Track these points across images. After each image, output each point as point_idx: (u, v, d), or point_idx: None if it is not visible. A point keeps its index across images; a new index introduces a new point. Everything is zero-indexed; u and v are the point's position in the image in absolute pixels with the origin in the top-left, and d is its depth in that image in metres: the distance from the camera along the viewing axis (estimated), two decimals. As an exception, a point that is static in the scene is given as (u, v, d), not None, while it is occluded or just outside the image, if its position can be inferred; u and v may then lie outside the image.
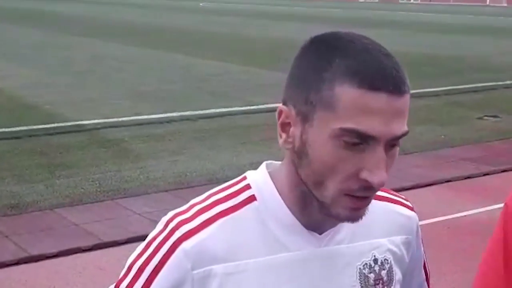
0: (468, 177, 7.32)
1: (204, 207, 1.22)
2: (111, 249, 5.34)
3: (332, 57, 1.10)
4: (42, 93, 11.88)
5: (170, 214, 1.24)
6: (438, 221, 6.02)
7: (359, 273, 1.26)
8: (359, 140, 1.09)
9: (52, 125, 9.30)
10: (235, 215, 1.21)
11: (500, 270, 1.53)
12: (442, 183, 7.13)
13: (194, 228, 1.19)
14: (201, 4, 49.10)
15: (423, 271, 1.44)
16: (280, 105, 1.17)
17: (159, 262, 1.19)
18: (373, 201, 1.29)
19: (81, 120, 9.61)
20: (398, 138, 1.11)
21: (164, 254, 1.19)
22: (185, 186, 6.75)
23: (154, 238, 1.22)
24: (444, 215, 6.15)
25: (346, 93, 1.08)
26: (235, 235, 1.20)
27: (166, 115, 10.12)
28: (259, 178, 1.25)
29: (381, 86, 1.07)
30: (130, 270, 1.22)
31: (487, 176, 7.40)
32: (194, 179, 7.00)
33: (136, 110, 10.40)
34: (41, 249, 5.29)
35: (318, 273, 1.22)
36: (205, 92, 12.28)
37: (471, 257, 5.22)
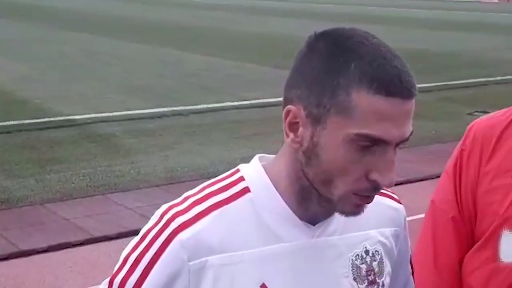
0: (459, 173, 7.32)
1: (199, 199, 1.23)
2: (102, 244, 5.32)
3: (346, 61, 1.11)
4: (32, 87, 11.83)
5: (165, 206, 1.24)
6: (429, 216, 6.03)
7: (351, 263, 1.27)
8: (371, 144, 1.11)
9: (43, 119, 9.26)
10: (229, 207, 1.22)
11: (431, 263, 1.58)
12: (433, 178, 7.12)
13: (190, 219, 1.20)
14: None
15: (409, 265, 1.46)
16: (289, 106, 1.17)
17: (155, 254, 1.19)
18: None
19: (72, 115, 9.58)
20: (407, 139, 1.15)
21: (160, 246, 1.19)
22: (177, 181, 6.74)
23: (149, 230, 1.22)
24: (435, 211, 6.16)
25: (363, 99, 1.10)
26: (230, 226, 1.21)
27: (157, 110, 10.10)
28: (253, 171, 1.26)
29: (397, 92, 1.10)
30: (126, 262, 1.22)
31: (477, 172, 7.40)
32: (186, 174, 6.99)
33: (127, 105, 10.38)
34: (31, 244, 5.27)
35: (311, 263, 1.23)
36: (196, 87, 12.26)
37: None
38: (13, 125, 8.93)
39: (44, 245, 5.26)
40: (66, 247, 5.28)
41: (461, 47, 19.20)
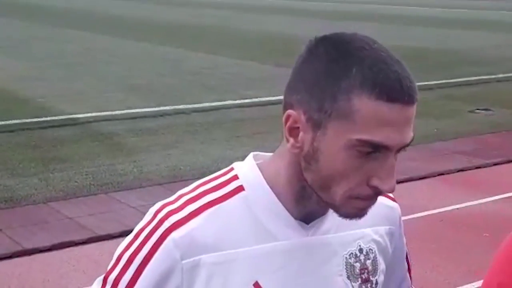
0: (461, 170, 7.34)
1: (192, 197, 1.23)
2: (105, 243, 5.33)
3: (348, 66, 1.11)
4: (34, 86, 11.84)
5: (158, 204, 1.24)
6: (431, 213, 6.04)
7: (345, 262, 1.28)
8: (372, 149, 1.11)
9: (45, 118, 9.27)
10: (223, 205, 1.22)
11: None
12: (435, 176, 7.15)
13: (183, 218, 1.20)
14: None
15: (405, 262, 1.46)
16: (289, 110, 1.16)
17: (148, 253, 1.19)
18: None
19: (74, 114, 9.59)
20: (407, 145, 1.14)
21: (153, 244, 1.19)
22: (179, 180, 6.74)
23: (142, 229, 1.22)
24: (437, 208, 6.18)
25: (364, 104, 1.09)
26: (223, 224, 1.21)
27: (159, 108, 10.11)
28: (247, 169, 1.26)
29: (398, 97, 1.09)
30: (119, 261, 1.23)
31: (479, 169, 7.43)
32: (188, 173, 7.00)
33: (128, 104, 10.38)
34: (34, 242, 5.28)
35: (305, 262, 1.24)
36: (197, 86, 12.26)
37: (464, 249, 5.26)
38: (16, 124, 8.94)
39: (47, 243, 5.27)
40: (70, 246, 5.29)
41: (463, 44, 19.18)
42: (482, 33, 22.71)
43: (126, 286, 1.21)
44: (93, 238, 5.41)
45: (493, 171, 7.33)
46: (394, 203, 1.40)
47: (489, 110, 10.41)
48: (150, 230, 1.20)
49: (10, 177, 6.83)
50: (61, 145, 8.06)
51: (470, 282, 4.62)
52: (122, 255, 1.22)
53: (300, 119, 1.15)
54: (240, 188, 1.24)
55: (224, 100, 10.79)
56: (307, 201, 1.21)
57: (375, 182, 1.13)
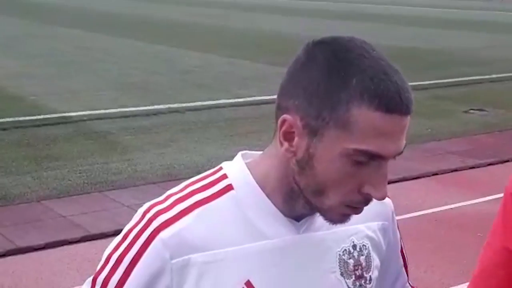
0: (455, 170, 7.36)
1: (181, 197, 1.23)
2: (98, 241, 5.32)
3: (348, 76, 1.11)
4: (26, 84, 11.81)
5: (147, 205, 1.24)
6: (425, 213, 6.06)
7: (338, 259, 1.27)
8: (368, 159, 1.12)
9: (39, 116, 9.25)
10: (212, 204, 1.22)
11: (499, 248, 1.55)
12: (429, 176, 7.17)
13: (171, 217, 1.19)
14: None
15: (400, 257, 1.46)
16: (285, 115, 1.16)
17: (136, 253, 1.19)
18: None
19: (68, 112, 9.57)
20: (401, 153, 1.16)
21: (142, 245, 1.19)
22: (173, 179, 6.73)
23: (131, 229, 1.22)
24: (431, 208, 6.19)
25: (363, 115, 1.10)
26: (213, 224, 1.20)
27: (153, 107, 10.10)
28: (236, 168, 1.26)
29: (397, 108, 1.11)
30: (108, 262, 1.22)
31: (473, 169, 7.45)
32: (182, 172, 7.00)
33: (121, 102, 10.37)
34: (28, 241, 5.27)
35: (297, 259, 1.23)
36: (190, 84, 12.25)
37: (458, 249, 5.27)
38: (9, 122, 8.92)
39: (41, 242, 5.26)
40: (63, 244, 5.28)
41: (456, 44, 19.21)
42: (475, 33, 22.76)
43: (115, 286, 1.20)
44: (86, 236, 5.40)
45: (487, 171, 7.34)
46: (387, 198, 1.39)
47: (483, 110, 10.44)
48: (139, 231, 1.20)
49: (3, 176, 6.81)
50: (55, 143, 8.05)
51: (464, 282, 4.62)
52: (111, 255, 1.22)
53: (296, 124, 1.15)
54: (229, 187, 1.23)
55: (218, 99, 10.79)
56: (295, 202, 1.21)
57: (367, 189, 1.14)
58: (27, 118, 9.16)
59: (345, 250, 1.28)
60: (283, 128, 1.16)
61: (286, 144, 1.17)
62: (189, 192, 1.23)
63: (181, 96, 10.94)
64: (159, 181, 6.73)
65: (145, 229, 1.19)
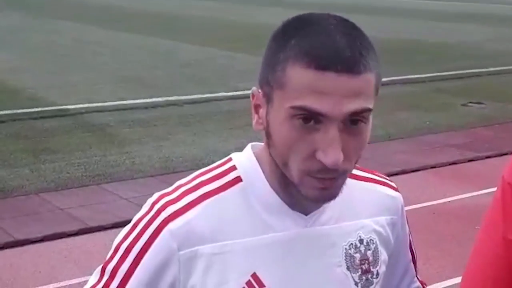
0: (453, 163, 7.36)
1: (190, 188, 1.23)
2: (97, 234, 5.32)
3: (289, 38, 1.11)
4: (24, 77, 11.78)
5: (156, 195, 1.24)
6: (424, 206, 6.06)
7: (345, 253, 1.26)
8: (309, 117, 1.09)
9: (36, 109, 9.24)
10: (221, 196, 1.22)
11: (499, 239, 1.54)
12: (427, 169, 7.17)
13: (180, 209, 1.19)
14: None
15: (409, 251, 1.45)
16: (253, 88, 1.20)
17: (145, 243, 1.19)
18: (358, 182, 1.32)
19: (66, 105, 9.55)
20: (354, 115, 1.10)
21: (151, 235, 1.19)
22: (171, 171, 6.74)
23: (140, 219, 1.22)
24: (429, 201, 6.19)
25: (296, 73, 1.09)
26: (221, 215, 1.20)
27: (151, 100, 10.08)
28: (245, 160, 1.26)
29: (329, 66, 1.07)
30: (117, 251, 1.22)
31: (471, 162, 7.45)
32: (180, 164, 6.99)
33: (119, 95, 10.36)
34: (26, 233, 5.27)
35: (304, 253, 1.22)
36: (188, 77, 12.24)
37: (457, 242, 5.27)
38: (7, 114, 8.91)
39: (39, 234, 5.25)
40: (61, 237, 5.27)
41: (455, 38, 19.20)
42: (474, 26, 22.74)
43: (124, 276, 1.20)
44: (84, 229, 5.40)
45: (485, 164, 7.34)
46: (396, 192, 1.38)
47: (481, 103, 10.43)
48: (148, 221, 1.20)
49: (1, 168, 6.80)
50: (53, 136, 8.03)
51: (461, 275, 4.64)
52: (120, 245, 1.22)
53: (259, 95, 1.18)
54: (237, 179, 1.23)
55: (216, 92, 10.78)
56: (291, 189, 1.19)
57: (319, 155, 1.10)
58: (25, 110, 9.15)
59: (352, 244, 1.27)
60: (253, 101, 1.19)
61: (256, 117, 1.19)
62: (198, 184, 1.23)
63: (179, 89, 10.93)
64: (157, 174, 6.72)
65: (154, 219, 1.19)
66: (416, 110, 9.76)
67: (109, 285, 1.22)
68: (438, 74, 12.93)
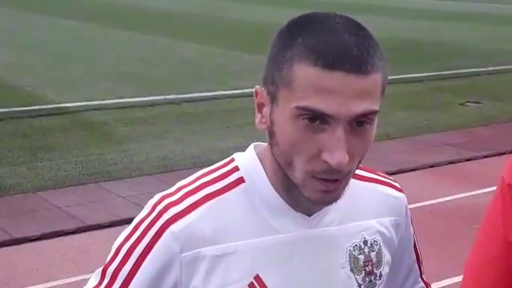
0: (451, 163, 7.36)
1: (192, 189, 1.21)
2: (94, 232, 5.32)
3: (296, 36, 1.10)
4: (22, 74, 11.76)
5: (157, 196, 1.22)
6: (422, 205, 6.05)
7: (349, 254, 1.25)
8: (315, 118, 1.08)
9: (34, 107, 9.22)
10: (223, 198, 1.20)
11: (498, 240, 1.54)
12: (425, 168, 7.16)
13: (182, 210, 1.18)
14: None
15: (413, 252, 1.44)
16: (257, 86, 1.18)
17: (147, 245, 1.18)
18: (362, 182, 1.31)
19: (63, 103, 9.54)
20: (360, 116, 1.09)
21: (152, 237, 1.18)
22: (169, 170, 6.73)
23: (141, 221, 1.20)
24: (427, 200, 6.19)
25: (302, 71, 1.07)
26: (223, 217, 1.19)
27: (149, 98, 10.06)
28: (247, 160, 1.24)
29: (336, 65, 1.06)
30: (118, 253, 1.21)
31: (469, 162, 7.45)
32: (178, 163, 6.99)
33: (118, 93, 10.34)
34: (23, 232, 5.26)
35: (307, 255, 1.21)
36: (187, 76, 12.22)
37: (455, 241, 5.27)
38: (4, 112, 8.88)
39: (36, 233, 5.25)
40: (59, 235, 5.27)
41: (454, 37, 19.19)
42: (472, 25, 22.74)
43: (125, 278, 1.19)
44: (82, 227, 5.39)
45: (483, 164, 7.34)
46: (400, 193, 1.37)
47: (480, 102, 10.43)
48: (149, 223, 1.19)
49: (-2, 166, 6.79)
50: (50, 134, 8.02)
51: (460, 274, 4.60)
52: (121, 247, 1.21)
53: (263, 94, 1.16)
54: (240, 180, 1.22)
55: (215, 91, 10.76)
56: (293, 190, 1.17)
57: (324, 155, 1.09)
58: (23, 108, 9.13)
59: (356, 245, 1.26)
60: (256, 100, 1.17)
61: (259, 116, 1.17)
62: (200, 185, 1.22)
63: (177, 88, 10.91)
64: (155, 172, 6.72)
65: (156, 221, 1.18)
66: (414, 109, 9.76)
67: None
68: (436, 73, 12.92)
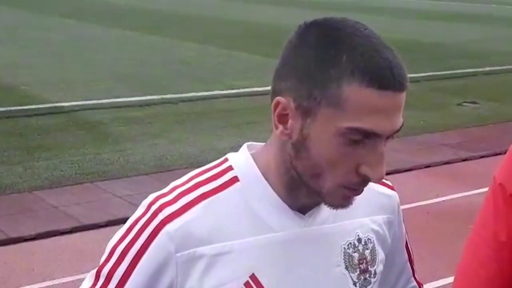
0: (447, 163, 7.37)
1: (187, 189, 1.21)
2: (91, 232, 5.31)
3: (338, 53, 1.10)
4: (18, 74, 11.74)
5: (152, 196, 1.22)
6: (418, 205, 6.06)
7: (343, 252, 1.26)
8: (363, 137, 1.10)
9: (31, 106, 9.21)
10: (218, 197, 1.21)
11: (490, 240, 1.54)
12: (421, 168, 7.17)
13: (177, 210, 1.18)
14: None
15: (405, 251, 1.45)
16: (278, 97, 1.15)
17: (142, 246, 1.18)
18: None
19: (60, 102, 9.53)
20: (397, 131, 1.13)
21: (147, 238, 1.17)
22: (166, 170, 6.73)
23: (136, 221, 1.20)
24: (424, 200, 6.20)
25: (354, 92, 1.08)
26: (218, 216, 1.19)
27: (146, 98, 10.06)
28: (241, 160, 1.24)
29: (389, 85, 1.09)
30: (112, 254, 1.20)
31: (465, 162, 7.46)
32: (175, 163, 6.99)
33: (114, 93, 10.33)
34: (20, 231, 5.25)
35: (302, 253, 1.22)
36: (185, 75, 12.22)
37: (450, 241, 5.27)
38: (0, 111, 8.88)
39: (32, 232, 5.24)
40: (55, 235, 5.26)
41: (450, 37, 19.21)
42: (469, 26, 22.76)
43: (120, 279, 1.19)
44: (78, 227, 5.39)
45: (479, 164, 7.35)
46: (392, 191, 1.38)
47: (476, 103, 10.44)
48: (144, 223, 1.19)
49: (-6, 165, 6.79)
50: (47, 133, 8.02)
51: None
52: (116, 248, 1.20)
53: (289, 106, 1.14)
54: (234, 179, 1.22)
55: (212, 90, 10.75)
56: (298, 192, 1.19)
57: (364, 169, 1.12)
58: (19, 108, 9.12)
59: (350, 243, 1.27)
60: (277, 110, 1.15)
61: (280, 127, 1.16)
62: (194, 184, 1.22)
63: (174, 87, 10.91)
64: (152, 172, 6.71)
65: (151, 221, 1.18)
66: (411, 110, 9.74)
67: None
68: (433, 73, 12.94)
